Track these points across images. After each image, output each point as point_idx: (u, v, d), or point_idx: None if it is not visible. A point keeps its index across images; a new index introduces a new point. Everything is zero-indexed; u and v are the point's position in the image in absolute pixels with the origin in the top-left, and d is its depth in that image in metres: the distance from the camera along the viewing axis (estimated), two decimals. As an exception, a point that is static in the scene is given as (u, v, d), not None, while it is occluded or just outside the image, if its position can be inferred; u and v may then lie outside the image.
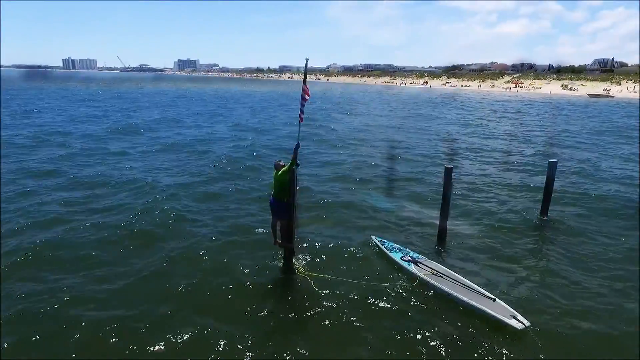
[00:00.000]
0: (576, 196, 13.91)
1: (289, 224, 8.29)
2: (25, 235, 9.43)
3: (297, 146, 7.72)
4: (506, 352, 6.08)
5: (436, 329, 6.65)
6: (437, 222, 10.03)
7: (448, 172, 9.65)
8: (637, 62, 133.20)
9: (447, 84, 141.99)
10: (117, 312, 6.74)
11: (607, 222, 11.36)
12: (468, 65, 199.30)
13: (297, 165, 7.91)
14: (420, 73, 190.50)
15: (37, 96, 54.21)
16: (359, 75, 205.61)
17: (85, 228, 9.96)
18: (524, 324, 6.47)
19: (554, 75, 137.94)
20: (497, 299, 7.14)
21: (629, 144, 26.07)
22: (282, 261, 8.59)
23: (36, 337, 6.11)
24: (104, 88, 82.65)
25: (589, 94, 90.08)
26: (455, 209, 12.52)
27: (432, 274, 8.03)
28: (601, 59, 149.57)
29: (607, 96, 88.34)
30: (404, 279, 8.13)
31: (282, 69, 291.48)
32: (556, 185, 14.97)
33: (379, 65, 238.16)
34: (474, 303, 7.07)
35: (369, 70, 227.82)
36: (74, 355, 5.82)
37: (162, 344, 6.08)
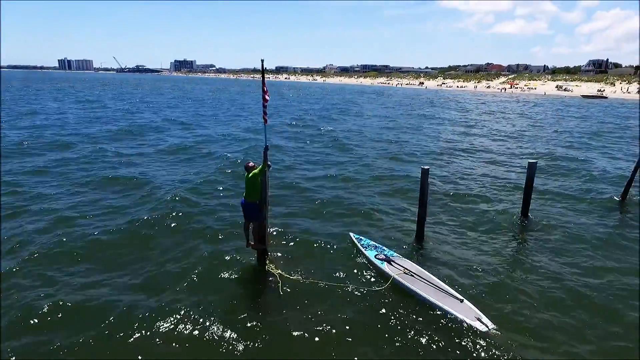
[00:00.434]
0: (558, 197, 13.93)
1: (261, 226, 8.26)
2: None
3: (266, 148, 7.76)
4: (466, 353, 6.06)
5: (402, 329, 6.64)
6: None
7: (425, 173, 9.63)
8: (632, 64, 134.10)
9: (442, 85, 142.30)
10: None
11: (586, 225, 11.31)
12: (464, 66, 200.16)
13: (269, 166, 7.92)
14: (416, 74, 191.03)
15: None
16: (356, 76, 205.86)
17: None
18: (487, 326, 6.46)
19: (549, 76, 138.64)
20: (465, 300, 7.14)
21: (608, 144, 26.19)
22: (256, 262, 8.54)
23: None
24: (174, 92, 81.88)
25: (582, 95, 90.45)
26: (436, 207, 12.58)
27: (405, 273, 8.04)
28: (596, 60, 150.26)
29: (601, 97, 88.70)
30: (376, 278, 8.15)
31: (279, 70, 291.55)
32: (541, 185, 15.19)
33: (376, 65, 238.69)
34: (440, 304, 7.06)
35: (366, 71, 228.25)
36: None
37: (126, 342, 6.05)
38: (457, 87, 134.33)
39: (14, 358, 5.79)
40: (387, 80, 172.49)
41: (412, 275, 7.94)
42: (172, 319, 6.64)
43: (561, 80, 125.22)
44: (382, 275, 8.17)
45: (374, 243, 9.42)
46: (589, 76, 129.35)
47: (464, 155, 21.39)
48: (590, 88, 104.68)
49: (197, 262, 8.54)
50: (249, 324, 6.65)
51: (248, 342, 6.24)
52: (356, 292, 7.65)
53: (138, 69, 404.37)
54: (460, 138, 27.61)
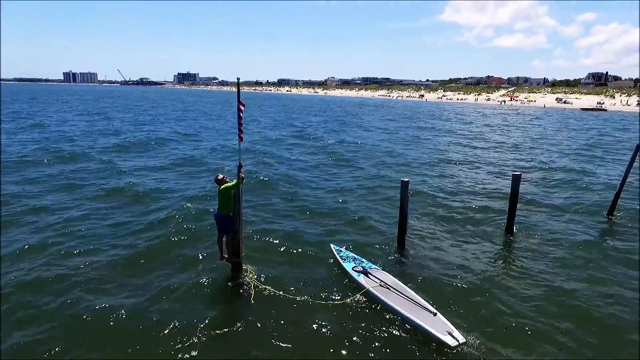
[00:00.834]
0: (545, 209, 13.80)
1: (234, 238, 8.18)
2: None
3: (240, 166, 7.83)
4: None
5: (370, 342, 6.52)
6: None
7: (404, 186, 9.56)
8: (631, 76, 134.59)
9: (443, 97, 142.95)
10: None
11: (572, 241, 11.00)
12: (465, 78, 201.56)
13: (243, 179, 7.94)
14: (417, 86, 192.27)
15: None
16: (357, 89, 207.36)
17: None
18: (457, 341, 6.31)
19: (549, 89, 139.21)
20: (439, 314, 7.00)
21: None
22: (230, 274, 8.44)
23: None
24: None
25: (582, 108, 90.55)
26: (423, 217, 12.50)
27: (380, 285, 7.95)
28: (595, 73, 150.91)
29: (600, 109, 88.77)
30: (351, 290, 8.04)
31: (281, 82, 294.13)
32: (530, 196, 15.07)
33: (377, 78, 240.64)
34: (412, 317, 6.92)
35: (367, 83, 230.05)
36: None
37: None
38: (458, 99, 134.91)
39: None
40: (388, 93, 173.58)
41: (388, 288, 7.84)
42: (141, 329, 6.55)
43: (561, 92, 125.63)
44: (358, 288, 8.07)
45: (353, 255, 9.35)
46: (588, 89, 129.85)
47: (457, 167, 21.31)
48: (590, 101, 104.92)
49: (171, 275, 8.44)
50: (218, 334, 6.57)
51: (216, 352, 6.16)
52: (329, 304, 7.54)
53: (142, 82, 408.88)
54: (455, 149, 27.57)
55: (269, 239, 10.38)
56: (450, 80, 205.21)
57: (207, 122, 43.70)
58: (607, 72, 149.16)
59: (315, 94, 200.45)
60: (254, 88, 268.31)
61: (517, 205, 13.30)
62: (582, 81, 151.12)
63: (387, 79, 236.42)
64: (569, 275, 8.98)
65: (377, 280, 8.11)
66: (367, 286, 7.92)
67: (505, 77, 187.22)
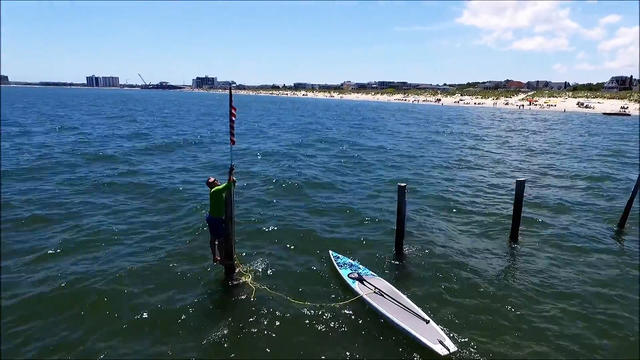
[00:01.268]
0: (554, 216, 13.38)
1: (227, 241, 8.17)
2: None
3: (231, 168, 7.80)
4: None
5: (362, 348, 6.39)
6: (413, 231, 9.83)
7: (402, 191, 9.38)
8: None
9: (460, 102, 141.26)
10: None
11: (578, 253, 10.47)
12: (483, 82, 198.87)
13: (234, 182, 7.92)
14: (433, 90, 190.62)
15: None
16: (372, 93, 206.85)
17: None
18: (448, 350, 6.11)
19: (570, 93, 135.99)
20: (432, 322, 6.82)
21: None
22: (223, 277, 8.41)
23: None
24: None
25: (604, 113, 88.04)
26: (427, 221, 12.26)
27: (375, 292, 7.81)
28: (619, 77, 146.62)
29: (623, 114, 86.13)
30: (345, 296, 7.90)
31: (297, 86, 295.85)
32: (539, 201, 14.66)
33: (393, 82, 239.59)
34: (403, 325, 6.76)
35: (383, 87, 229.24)
36: None
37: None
38: (475, 103, 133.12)
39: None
40: (404, 97, 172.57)
41: (382, 295, 7.71)
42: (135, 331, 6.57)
43: (582, 97, 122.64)
44: (352, 294, 7.94)
45: (350, 261, 9.25)
46: (611, 93, 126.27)
47: (466, 171, 20.90)
48: (613, 105, 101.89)
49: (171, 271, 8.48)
50: (210, 337, 6.55)
51: (209, 354, 6.17)
52: (321, 309, 7.43)
53: (162, 86, 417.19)
54: (464, 153, 27.09)
55: (269, 240, 10.38)
56: (468, 84, 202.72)
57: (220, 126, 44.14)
58: (631, 76, 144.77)
59: (331, 97, 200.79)
60: (270, 92, 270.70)
61: (525, 212, 12.98)
62: (605, 85, 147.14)
63: (404, 83, 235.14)
64: (574, 289, 8.55)
65: (371, 287, 7.99)
66: (361, 293, 7.83)
67: (524, 81, 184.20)
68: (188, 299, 7.60)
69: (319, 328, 6.91)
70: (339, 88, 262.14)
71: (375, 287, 7.94)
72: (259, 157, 23.53)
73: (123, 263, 8.92)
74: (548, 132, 44.82)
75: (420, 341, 6.38)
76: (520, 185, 10.65)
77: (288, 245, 10.27)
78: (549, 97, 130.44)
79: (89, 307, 7.26)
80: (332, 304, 7.60)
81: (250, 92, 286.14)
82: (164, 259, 9.20)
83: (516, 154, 27.70)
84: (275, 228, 11.45)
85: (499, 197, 15.77)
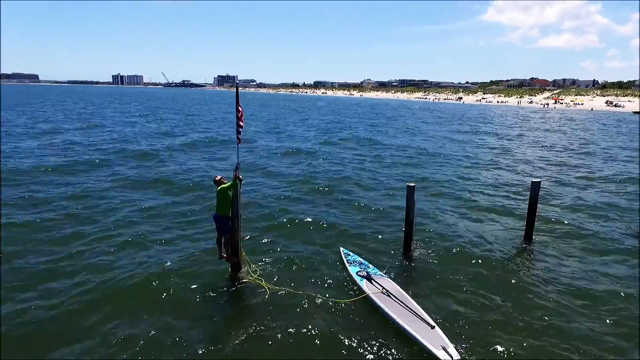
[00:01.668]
0: (571, 218, 12.90)
1: (233, 238, 8.21)
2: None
3: (237, 167, 7.79)
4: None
5: (363, 348, 6.33)
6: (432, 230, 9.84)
7: (410, 191, 9.22)
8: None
9: (482, 100, 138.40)
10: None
11: (595, 259, 10.06)
12: (506, 80, 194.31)
13: (240, 180, 7.94)
14: (455, 89, 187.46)
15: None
16: (393, 91, 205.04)
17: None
18: (451, 357, 5.95)
19: (598, 91, 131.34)
20: (437, 327, 6.65)
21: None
22: (229, 274, 8.46)
23: None
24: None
25: (634, 112, 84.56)
26: (438, 221, 12.03)
27: (382, 292, 7.72)
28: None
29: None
30: (353, 294, 7.85)
31: (317, 84, 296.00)
32: (557, 204, 14.18)
33: (414, 80, 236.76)
34: (408, 328, 6.64)
35: (403, 85, 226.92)
36: None
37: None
38: (498, 102, 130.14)
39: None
40: (425, 95, 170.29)
41: (389, 296, 7.61)
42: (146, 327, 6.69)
43: (611, 95, 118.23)
44: (359, 292, 7.90)
45: (360, 259, 9.23)
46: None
47: (485, 170, 20.41)
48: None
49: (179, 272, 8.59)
50: (214, 331, 6.66)
51: (213, 346, 6.27)
52: (327, 307, 7.46)
53: (184, 84, 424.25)
54: (487, 152, 26.47)
55: (279, 234, 10.54)
56: (491, 82, 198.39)
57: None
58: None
59: (351, 96, 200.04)
60: (290, 90, 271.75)
61: (543, 213, 12.63)
62: (636, 83, 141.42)
63: (425, 81, 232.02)
64: (596, 301, 8.11)
65: (379, 286, 7.91)
66: (368, 291, 7.77)
67: (550, 79, 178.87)
68: (192, 296, 7.68)
69: (323, 325, 6.89)
70: (358, 86, 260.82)
71: (383, 288, 7.86)
72: (281, 155, 23.67)
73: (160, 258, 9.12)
74: (573, 132, 43.35)
75: (424, 345, 6.24)
76: (536, 186, 10.34)
77: (298, 240, 10.37)
78: (576, 95, 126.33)
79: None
80: (338, 301, 7.59)
81: (270, 90, 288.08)
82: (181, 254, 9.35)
83: (539, 153, 26.89)
84: (289, 223, 11.59)
85: (516, 197, 15.33)
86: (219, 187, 7.94)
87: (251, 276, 8.23)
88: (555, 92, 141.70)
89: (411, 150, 27.30)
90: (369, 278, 8.23)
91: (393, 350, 6.35)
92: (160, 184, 15.73)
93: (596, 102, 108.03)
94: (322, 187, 16.00)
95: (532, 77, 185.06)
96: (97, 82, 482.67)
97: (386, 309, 7.21)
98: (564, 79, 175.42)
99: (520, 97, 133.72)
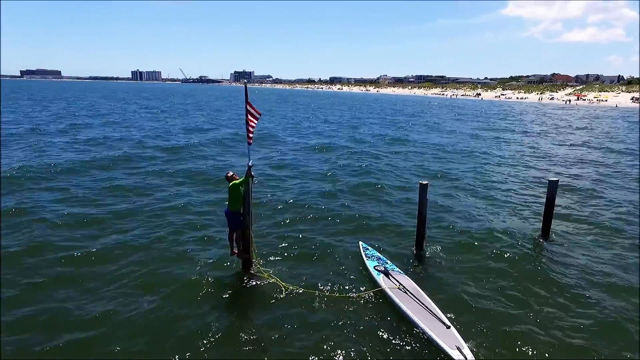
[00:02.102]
0: (585, 214, 12.54)
1: (244, 235, 8.23)
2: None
3: (250, 167, 7.80)
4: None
5: (376, 342, 6.34)
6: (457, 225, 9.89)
7: (423, 189, 9.11)
8: None
9: (501, 96, 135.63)
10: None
11: (609, 251, 9.95)
12: (527, 76, 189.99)
13: (253, 177, 7.96)
14: (473, 84, 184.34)
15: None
16: (409, 87, 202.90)
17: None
18: (465, 358, 5.84)
19: (623, 87, 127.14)
20: (452, 328, 6.55)
21: None
22: (240, 269, 8.50)
23: None
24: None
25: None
26: (452, 219, 11.87)
27: (398, 288, 7.67)
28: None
29: (684, 110, 79.44)
30: (368, 289, 7.84)
31: (333, 80, 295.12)
32: (571, 204, 13.81)
33: (431, 76, 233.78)
34: (422, 326, 6.58)
35: (420, 81, 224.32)
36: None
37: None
38: (517, 98, 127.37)
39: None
40: (442, 91, 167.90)
41: (406, 292, 7.56)
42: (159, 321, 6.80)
43: (638, 91, 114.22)
44: (375, 287, 7.89)
45: (378, 254, 9.22)
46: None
47: (506, 167, 20.01)
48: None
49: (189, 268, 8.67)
50: (226, 328, 6.67)
51: (225, 342, 6.31)
52: (339, 300, 7.49)
53: (201, 80, 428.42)
54: (508, 148, 25.95)
55: (294, 229, 10.56)
56: (511, 78, 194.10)
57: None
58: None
59: (367, 92, 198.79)
60: (306, 86, 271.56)
61: (562, 211, 12.33)
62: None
63: (442, 77, 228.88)
64: (612, 298, 7.95)
65: (396, 282, 7.88)
66: (384, 286, 7.73)
67: (573, 74, 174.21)
68: (203, 289, 7.75)
69: (335, 320, 6.89)
70: (375, 82, 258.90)
71: (400, 284, 7.82)
72: (304, 150, 23.81)
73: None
74: (596, 129, 42.07)
75: (438, 344, 6.18)
76: (553, 184, 10.12)
77: (314, 234, 10.48)
78: (600, 91, 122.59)
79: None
80: (350, 294, 7.61)
81: (286, 86, 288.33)
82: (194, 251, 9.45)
83: (562, 150, 26.20)
84: (307, 217, 11.77)
85: (535, 194, 14.98)
86: (230, 183, 7.95)
87: (262, 272, 8.25)
88: (578, 88, 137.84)
89: (434, 146, 27.09)
90: (386, 273, 8.21)
91: (406, 347, 6.31)
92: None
93: (621, 99, 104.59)
94: (346, 182, 16.11)
95: (554, 73, 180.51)
96: (116, 78, 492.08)
97: (401, 305, 7.17)
98: (587, 75, 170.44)
99: (541, 94, 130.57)
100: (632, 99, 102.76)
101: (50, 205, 12.10)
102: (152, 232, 10.40)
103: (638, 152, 25.55)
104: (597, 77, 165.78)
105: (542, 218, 10.85)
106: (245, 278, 8.21)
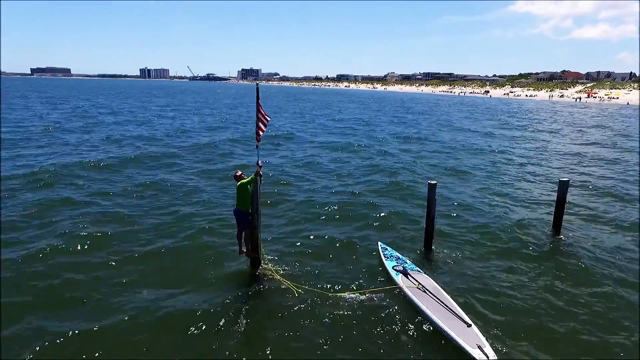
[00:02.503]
0: (597, 212, 12.52)
1: (252, 234, 8.31)
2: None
3: (259, 166, 7.92)
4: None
5: (396, 346, 6.36)
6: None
7: (432, 188, 9.19)
8: None
9: (510, 94, 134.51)
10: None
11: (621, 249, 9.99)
12: (536, 73, 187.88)
13: (261, 176, 8.01)
14: (482, 82, 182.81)
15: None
16: (417, 84, 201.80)
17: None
18: (487, 357, 5.91)
19: (635, 84, 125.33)
20: (474, 326, 6.62)
21: None
22: (248, 268, 8.58)
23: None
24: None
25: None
26: (465, 217, 11.93)
27: (417, 288, 7.72)
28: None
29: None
30: (387, 288, 7.89)
31: (340, 78, 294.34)
32: (584, 202, 13.79)
33: (439, 73, 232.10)
34: (441, 325, 6.64)
35: (428, 79, 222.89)
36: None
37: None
38: (526, 95, 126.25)
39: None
40: (450, 89, 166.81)
41: (425, 292, 7.60)
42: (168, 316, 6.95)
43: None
44: (394, 287, 7.93)
45: (397, 254, 9.27)
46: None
47: (518, 167, 19.94)
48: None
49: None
50: (227, 325, 6.74)
51: (231, 342, 6.35)
52: (353, 299, 7.55)
53: (208, 77, 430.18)
54: (519, 147, 25.84)
55: (314, 231, 10.60)
56: (520, 76, 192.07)
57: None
58: None
59: (374, 89, 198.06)
60: (313, 84, 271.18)
61: (571, 212, 12.36)
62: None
63: (450, 74, 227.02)
64: (628, 293, 8.02)
65: (415, 282, 7.93)
66: (402, 286, 7.79)
67: (583, 71, 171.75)
68: (211, 289, 7.83)
69: (350, 319, 6.96)
70: (382, 79, 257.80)
71: (419, 283, 7.85)
72: (320, 148, 23.91)
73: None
74: (608, 126, 41.64)
75: (457, 343, 6.24)
76: (564, 184, 10.19)
77: (327, 233, 10.53)
78: (611, 88, 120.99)
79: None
80: (367, 293, 7.65)
81: (293, 84, 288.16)
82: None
83: (573, 149, 26.03)
84: (323, 214, 11.85)
85: (549, 192, 14.95)
86: (238, 183, 7.99)
87: (271, 271, 8.29)
88: (588, 85, 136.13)
89: (448, 144, 27.12)
90: (405, 273, 8.25)
91: (426, 347, 6.37)
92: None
93: (633, 96, 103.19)
94: (363, 180, 16.22)
95: (564, 70, 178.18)
96: (125, 76, 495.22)
97: (420, 304, 7.22)
98: (599, 72, 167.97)
99: (550, 91, 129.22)
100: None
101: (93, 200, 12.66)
102: (170, 230, 10.60)
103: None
104: (609, 74, 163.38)
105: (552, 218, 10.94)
106: (253, 277, 8.30)
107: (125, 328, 6.57)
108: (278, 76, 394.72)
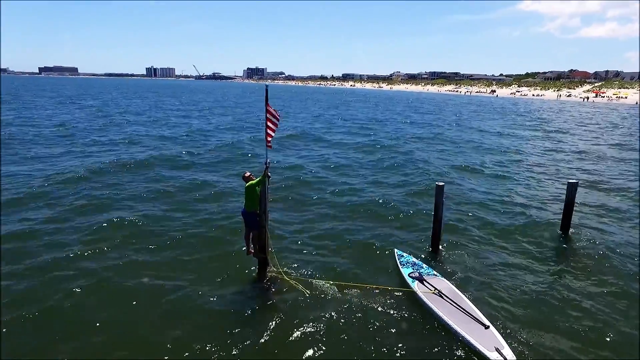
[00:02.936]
0: (605, 214, 12.53)
1: (260, 235, 8.36)
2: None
3: (267, 167, 7.88)
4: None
5: (412, 352, 6.39)
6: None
7: (439, 190, 9.25)
8: None
9: (516, 93, 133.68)
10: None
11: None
12: (543, 73, 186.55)
13: (269, 177, 8.01)
14: (488, 81, 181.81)
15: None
16: (423, 84, 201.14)
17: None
18: (505, 359, 5.99)
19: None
20: (492, 327, 6.67)
21: None
22: (256, 269, 8.62)
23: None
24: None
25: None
26: (474, 217, 11.99)
27: (433, 293, 7.74)
28: None
29: None
30: (403, 295, 7.90)
31: (345, 77, 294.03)
32: (594, 201, 13.77)
33: (445, 73, 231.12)
34: (456, 328, 6.69)
35: (434, 78, 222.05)
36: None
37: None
38: (533, 95, 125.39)
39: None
40: (456, 88, 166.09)
41: (441, 296, 7.61)
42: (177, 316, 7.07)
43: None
44: (410, 293, 7.94)
45: (414, 260, 9.19)
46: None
47: (527, 170, 19.88)
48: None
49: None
50: (232, 326, 6.83)
51: (238, 343, 6.43)
52: (367, 303, 7.58)
53: (214, 76, 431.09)
54: (529, 147, 25.75)
55: (326, 228, 10.80)
56: (527, 75, 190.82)
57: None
58: None
59: (380, 89, 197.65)
60: (318, 83, 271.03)
61: (583, 213, 12.38)
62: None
63: (456, 74, 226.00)
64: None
65: (431, 287, 7.91)
66: (418, 292, 7.80)
67: (591, 71, 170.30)
68: (218, 290, 7.91)
69: (364, 322, 7.00)
70: (387, 79, 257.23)
71: (435, 288, 7.85)
72: (335, 148, 23.97)
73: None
74: (618, 125, 41.33)
75: (474, 346, 6.28)
76: (572, 187, 10.23)
77: (344, 232, 10.64)
78: (619, 88, 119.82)
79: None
80: (380, 297, 7.69)
81: (299, 83, 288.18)
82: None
83: (582, 148, 25.90)
84: (338, 213, 11.85)
85: (558, 193, 14.94)
86: (247, 184, 8.03)
87: (279, 272, 8.29)
88: (596, 84, 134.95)
89: (463, 143, 27.14)
90: (420, 279, 8.19)
91: (442, 351, 6.39)
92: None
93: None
94: (380, 179, 16.25)
95: (572, 69, 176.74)
96: (131, 75, 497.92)
97: (435, 309, 7.24)
98: (607, 71, 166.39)
99: (558, 90, 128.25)
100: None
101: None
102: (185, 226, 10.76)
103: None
104: (617, 74, 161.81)
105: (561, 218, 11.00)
106: (261, 278, 8.36)
107: (134, 321, 6.81)
108: (283, 75, 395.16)
